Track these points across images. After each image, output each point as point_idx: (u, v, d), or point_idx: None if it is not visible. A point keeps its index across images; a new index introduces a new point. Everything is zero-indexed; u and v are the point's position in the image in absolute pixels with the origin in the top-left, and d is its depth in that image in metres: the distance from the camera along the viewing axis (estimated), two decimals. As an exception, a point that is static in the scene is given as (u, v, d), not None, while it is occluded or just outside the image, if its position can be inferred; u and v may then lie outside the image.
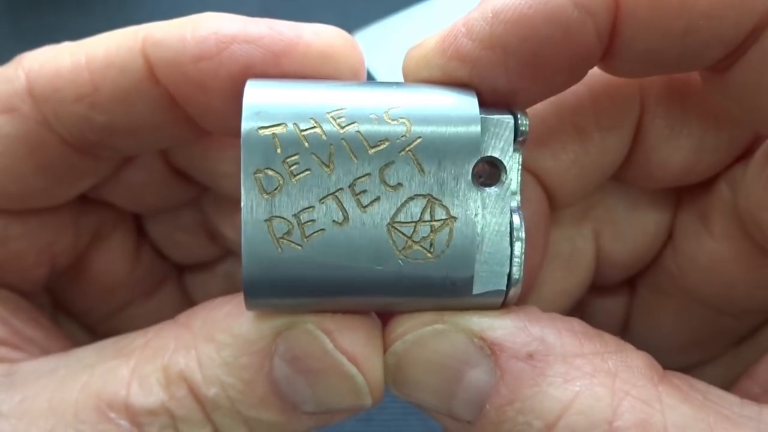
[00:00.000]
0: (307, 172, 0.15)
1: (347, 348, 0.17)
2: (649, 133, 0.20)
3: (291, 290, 0.16)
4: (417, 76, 0.17)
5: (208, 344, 0.17)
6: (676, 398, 0.15)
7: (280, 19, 0.19)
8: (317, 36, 0.18)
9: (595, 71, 0.18)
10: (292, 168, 0.15)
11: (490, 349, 0.16)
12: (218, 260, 0.27)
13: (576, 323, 0.16)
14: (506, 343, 0.16)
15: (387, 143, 0.16)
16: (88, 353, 0.19)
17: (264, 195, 0.15)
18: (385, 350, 0.17)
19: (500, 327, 0.16)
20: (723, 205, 0.20)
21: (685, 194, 0.22)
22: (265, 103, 0.16)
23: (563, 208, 0.22)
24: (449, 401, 0.17)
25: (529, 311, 0.16)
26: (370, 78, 0.44)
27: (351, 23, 0.52)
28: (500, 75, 0.16)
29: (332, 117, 0.16)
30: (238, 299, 0.17)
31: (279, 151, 0.15)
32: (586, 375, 0.15)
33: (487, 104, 0.16)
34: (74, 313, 0.26)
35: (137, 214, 0.26)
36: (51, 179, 0.20)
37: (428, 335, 0.16)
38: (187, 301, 0.27)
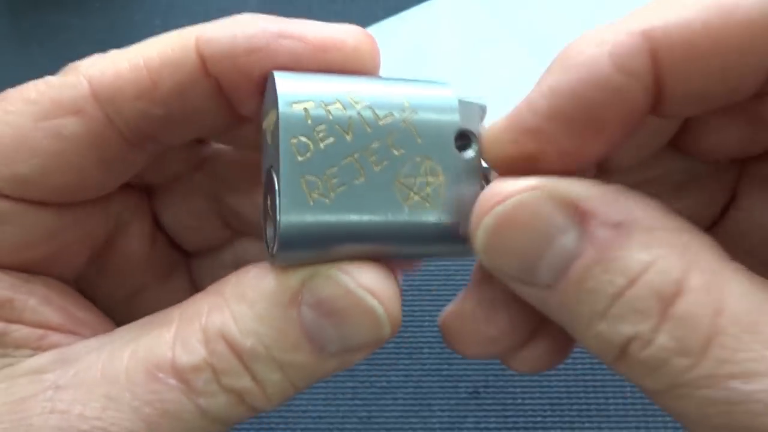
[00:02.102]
0: (331, 139, 0.19)
1: (367, 284, 0.19)
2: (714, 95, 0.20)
3: (319, 239, 0.19)
4: (493, 154, 0.20)
5: (240, 303, 0.20)
6: (739, 273, 0.18)
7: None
8: (349, 34, 0.21)
9: None
10: (320, 136, 0.19)
11: (582, 217, 0.18)
12: (225, 245, 0.28)
13: (658, 203, 0.18)
14: (597, 211, 0.18)
15: (392, 117, 0.20)
16: (129, 329, 0.21)
17: (298, 158, 0.19)
18: (483, 214, 0.19)
19: (594, 197, 0.18)
20: None
21: (749, 162, 0.23)
22: (295, 85, 0.20)
23: (615, 172, 0.22)
24: (535, 264, 0.18)
25: (619, 187, 0.18)
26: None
27: (351, 23, 0.52)
28: (563, 140, 0.19)
29: (350, 96, 0.20)
30: (262, 264, 0.20)
31: (309, 122, 0.19)
32: (664, 245, 0.17)
33: (555, 166, 0.19)
34: (93, 298, 0.26)
35: (151, 201, 0.27)
36: (107, 172, 0.22)
37: (528, 200, 0.18)
38: (196, 290, 0.28)
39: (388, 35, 0.51)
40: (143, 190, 0.27)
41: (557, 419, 0.38)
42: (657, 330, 0.17)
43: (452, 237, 0.20)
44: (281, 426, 0.38)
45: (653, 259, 0.17)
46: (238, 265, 0.27)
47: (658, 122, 0.21)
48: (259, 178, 0.23)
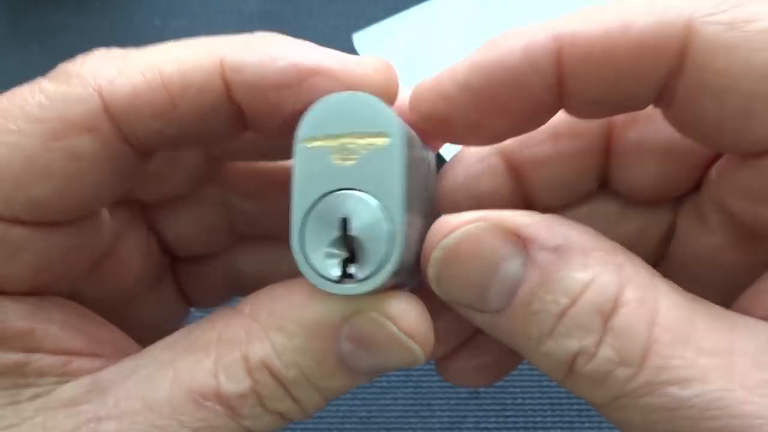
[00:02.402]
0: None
1: (407, 329, 0.20)
2: (619, 145, 0.23)
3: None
4: (417, 108, 0.21)
5: (278, 334, 0.20)
6: (669, 288, 0.19)
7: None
8: (378, 69, 0.21)
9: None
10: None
11: (523, 243, 0.19)
12: (216, 255, 0.28)
13: (590, 228, 0.20)
14: (537, 237, 0.19)
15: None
16: (159, 351, 0.21)
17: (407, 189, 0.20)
18: (432, 247, 0.20)
19: (533, 224, 0.19)
20: (710, 201, 0.23)
21: (683, 197, 0.24)
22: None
23: (545, 210, 0.24)
24: (484, 292, 0.19)
25: (555, 216, 0.20)
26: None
27: (351, 23, 0.52)
28: (470, 112, 0.21)
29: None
30: (298, 288, 0.21)
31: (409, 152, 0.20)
32: (600, 264, 0.19)
33: (462, 136, 0.22)
34: (86, 304, 0.26)
35: (148, 211, 0.27)
36: (117, 186, 0.22)
37: (473, 231, 0.19)
38: (181, 293, 0.28)
39: (388, 35, 0.51)
40: (139, 206, 0.27)
41: (557, 419, 0.38)
42: (599, 343, 0.18)
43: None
44: (281, 426, 0.38)
45: (592, 277, 0.18)
46: (228, 271, 0.27)
47: (576, 157, 0.23)
48: (270, 181, 0.23)
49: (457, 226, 0.20)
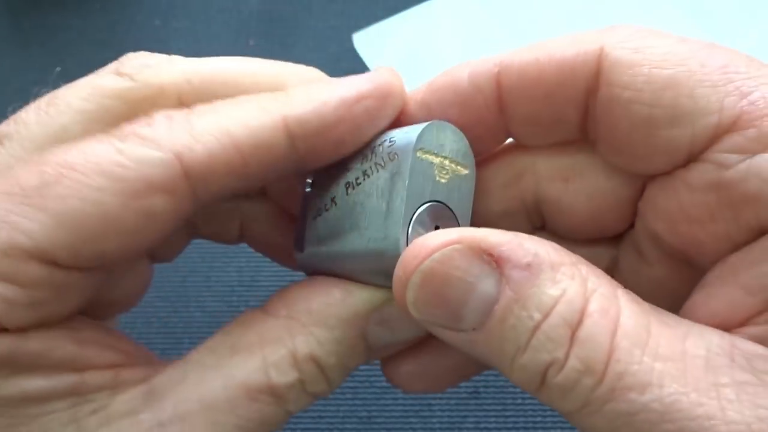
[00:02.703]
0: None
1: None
2: (546, 189, 0.25)
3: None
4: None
5: (320, 328, 0.23)
6: (629, 299, 0.20)
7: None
8: (396, 78, 0.24)
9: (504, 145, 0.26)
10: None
11: (497, 263, 0.20)
12: (182, 248, 0.29)
13: (554, 243, 0.21)
14: (510, 256, 0.20)
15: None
16: (203, 356, 0.23)
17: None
18: (409, 271, 0.21)
19: (504, 242, 0.20)
20: (643, 236, 0.25)
21: (622, 235, 0.26)
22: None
23: None
24: (460, 311, 0.20)
25: (521, 234, 0.21)
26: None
27: (351, 23, 0.52)
28: (434, 114, 0.24)
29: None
30: (332, 287, 0.24)
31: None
32: (567, 278, 0.20)
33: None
34: None
35: None
36: (174, 233, 0.23)
37: (450, 253, 0.20)
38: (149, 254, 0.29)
39: (388, 35, 0.51)
40: None
41: (557, 419, 0.38)
42: (568, 355, 0.19)
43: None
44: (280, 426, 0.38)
45: (561, 292, 0.20)
46: (190, 224, 0.28)
47: (521, 214, 0.26)
48: None
49: (434, 249, 0.20)
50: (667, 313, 0.21)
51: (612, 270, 0.26)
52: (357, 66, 0.50)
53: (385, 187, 0.23)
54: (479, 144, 0.24)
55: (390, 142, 0.23)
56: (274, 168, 0.23)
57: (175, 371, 0.23)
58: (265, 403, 0.22)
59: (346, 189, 0.24)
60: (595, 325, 0.19)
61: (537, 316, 0.19)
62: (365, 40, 0.51)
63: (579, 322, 0.19)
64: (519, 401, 0.39)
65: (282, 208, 0.28)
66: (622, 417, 0.18)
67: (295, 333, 0.23)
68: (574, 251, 0.24)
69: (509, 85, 0.23)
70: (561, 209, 0.25)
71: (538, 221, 0.26)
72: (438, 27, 0.51)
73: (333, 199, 0.24)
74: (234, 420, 0.22)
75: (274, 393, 0.23)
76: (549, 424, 0.38)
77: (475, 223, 0.24)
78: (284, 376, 0.23)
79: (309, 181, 0.26)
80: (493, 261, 0.20)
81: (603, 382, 0.19)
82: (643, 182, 0.24)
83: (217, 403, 0.22)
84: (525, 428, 0.38)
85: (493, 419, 0.39)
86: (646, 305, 0.20)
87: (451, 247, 0.20)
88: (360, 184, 0.23)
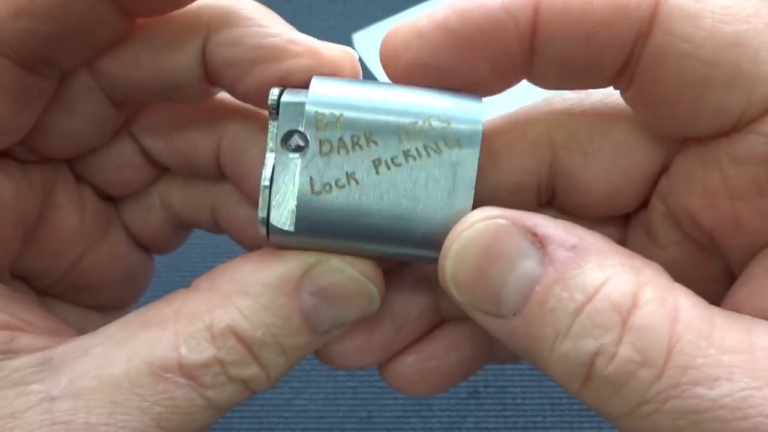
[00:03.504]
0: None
1: (365, 270, 0.22)
2: (563, 162, 0.23)
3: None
4: (386, 47, 0.22)
5: (244, 298, 0.21)
6: (688, 294, 0.19)
7: (281, 19, 0.23)
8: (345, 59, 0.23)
9: (514, 110, 0.23)
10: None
11: (541, 243, 0.19)
12: (151, 186, 0.27)
13: (604, 236, 0.20)
14: (555, 236, 0.19)
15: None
16: (114, 330, 0.21)
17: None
18: (452, 241, 0.20)
19: (550, 224, 0.19)
20: (659, 216, 0.23)
21: (630, 215, 0.24)
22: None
23: None
24: (500, 291, 0.19)
25: (568, 222, 0.20)
26: (370, 77, 0.44)
27: (351, 23, 0.52)
28: (443, 52, 0.21)
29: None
30: (255, 255, 0.22)
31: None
32: (616, 265, 0.18)
33: (432, 79, 0.22)
34: (28, 277, 0.25)
35: (71, 162, 0.25)
36: (10, 105, 0.21)
37: (493, 226, 0.19)
38: (132, 239, 0.27)
39: (388, 35, 0.51)
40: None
41: (557, 419, 0.38)
42: (619, 342, 0.17)
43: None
44: (281, 426, 0.38)
45: (608, 276, 0.18)
46: (165, 206, 0.27)
47: (518, 177, 0.23)
48: (173, 114, 0.24)
49: (477, 220, 0.20)
50: (722, 309, 0.19)
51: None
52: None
53: (440, 176, 0.21)
54: (492, 81, 0.22)
55: (441, 121, 0.21)
56: (75, 6, 0.20)
57: (79, 344, 0.21)
58: (174, 384, 0.20)
59: (375, 167, 0.21)
60: (651, 313, 0.17)
61: (579, 297, 0.18)
62: (365, 40, 0.51)
63: (632, 308, 0.18)
64: (519, 401, 0.39)
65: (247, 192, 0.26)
66: (689, 415, 0.17)
67: (214, 305, 0.21)
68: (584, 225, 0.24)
69: (548, 16, 0.20)
70: (577, 184, 0.23)
71: (545, 197, 0.24)
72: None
73: (351, 176, 0.21)
74: (135, 401, 0.19)
75: (185, 372, 0.20)
76: (549, 424, 0.38)
77: (478, 197, 0.22)
78: (197, 353, 0.20)
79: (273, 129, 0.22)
80: (537, 240, 0.19)
81: (664, 375, 0.17)
82: (666, 156, 0.22)
83: (116, 380, 0.19)
84: (525, 428, 0.38)
85: (492, 419, 0.39)
86: (703, 300, 0.19)
87: (494, 220, 0.19)
88: (399, 165, 0.21)
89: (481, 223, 0.19)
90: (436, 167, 0.21)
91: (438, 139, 0.21)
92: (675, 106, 0.20)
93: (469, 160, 0.21)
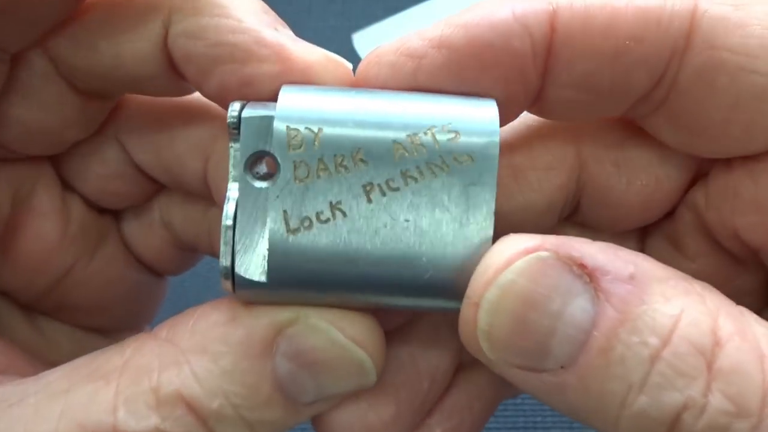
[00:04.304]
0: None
1: (354, 335, 0.17)
2: (593, 174, 0.20)
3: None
4: (367, 73, 0.18)
5: (201, 357, 0.17)
6: (755, 315, 0.16)
7: (265, 11, 0.20)
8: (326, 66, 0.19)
9: (528, 120, 0.20)
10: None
11: (590, 276, 0.16)
12: (151, 202, 0.25)
13: (646, 255, 0.17)
14: (608, 266, 0.16)
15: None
16: (57, 377, 0.18)
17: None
18: (482, 288, 0.16)
19: (597, 252, 0.16)
20: (689, 228, 0.21)
21: (650, 226, 0.22)
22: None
23: None
24: (547, 341, 0.16)
25: (608, 243, 0.17)
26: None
27: (351, 23, 0.52)
28: (443, 74, 0.17)
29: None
30: (223, 304, 0.18)
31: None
32: (681, 294, 0.16)
33: None
34: (8, 292, 0.23)
35: (57, 168, 0.23)
36: None
37: (535, 263, 0.16)
38: (132, 258, 0.25)
39: (388, 35, 0.51)
40: (45, 160, 0.23)
41: (557, 419, 0.38)
42: (708, 391, 0.15)
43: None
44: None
45: (681, 310, 0.15)
46: (166, 224, 0.24)
47: (545, 193, 0.20)
48: (160, 124, 0.21)
49: (515, 257, 0.16)
50: None
51: None
52: (357, 66, 0.50)
53: (450, 201, 0.17)
54: (501, 108, 0.18)
55: (447, 132, 0.17)
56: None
57: (15, 390, 0.18)
58: None
59: (366, 194, 0.17)
60: (737, 351, 0.15)
61: (654, 341, 0.15)
62: (365, 40, 0.51)
63: (716, 347, 0.15)
64: (519, 401, 0.39)
65: None
66: None
67: (167, 361, 0.17)
68: (601, 239, 0.22)
69: (567, 30, 0.17)
70: (608, 197, 0.20)
71: (565, 213, 0.21)
72: (438, 27, 0.51)
73: (336, 206, 0.17)
74: None
75: None
76: (549, 424, 0.38)
77: (499, 223, 0.18)
78: (135, 420, 0.16)
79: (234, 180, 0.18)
80: (586, 274, 0.16)
81: (762, 426, 0.15)
82: (700, 164, 0.20)
83: None
84: (525, 428, 0.38)
85: (492, 419, 0.38)
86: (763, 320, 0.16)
87: (535, 254, 0.16)
88: (397, 189, 0.17)
89: (521, 260, 0.16)
90: (443, 190, 0.17)
91: (445, 155, 0.17)
92: (727, 124, 0.17)
93: (485, 178, 0.17)
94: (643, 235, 0.22)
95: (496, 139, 0.17)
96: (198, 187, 0.22)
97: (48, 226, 0.23)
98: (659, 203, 0.21)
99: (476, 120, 0.17)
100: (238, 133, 0.17)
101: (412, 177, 0.17)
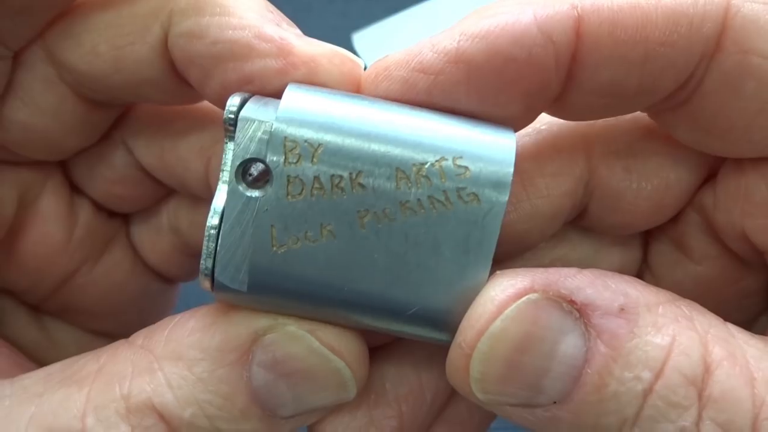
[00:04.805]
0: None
1: (332, 343, 0.17)
2: (604, 179, 0.20)
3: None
4: (376, 88, 0.17)
5: (175, 363, 0.16)
6: (744, 334, 0.16)
7: (269, 10, 0.19)
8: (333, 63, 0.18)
9: (537, 124, 0.19)
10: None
11: (580, 312, 0.15)
12: (160, 206, 0.25)
13: (635, 278, 0.16)
14: (597, 300, 0.15)
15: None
16: (34, 381, 0.17)
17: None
18: (473, 339, 0.16)
19: (585, 285, 0.15)
20: (695, 230, 0.20)
21: (653, 229, 0.22)
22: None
23: (519, 252, 0.21)
24: (540, 381, 0.15)
25: (596, 270, 0.16)
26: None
27: (351, 23, 0.52)
28: (461, 91, 0.17)
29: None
30: (200, 312, 0.17)
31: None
32: (671, 321, 0.15)
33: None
34: (14, 293, 0.24)
35: (66, 171, 0.23)
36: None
37: (525, 308, 0.15)
38: (139, 262, 0.25)
39: (388, 35, 0.51)
40: (53, 164, 0.23)
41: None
42: (699, 420, 0.15)
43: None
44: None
45: (672, 339, 0.15)
46: (173, 229, 0.24)
47: (554, 200, 0.20)
48: (164, 128, 0.21)
49: (503, 304, 0.15)
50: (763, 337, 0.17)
51: (642, 269, 0.22)
52: (357, 66, 0.50)
53: (448, 239, 0.16)
54: (518, 119, 0.18)
55: (457, 165, 0.16)
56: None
57: None
58: None
59: (360, 220, 0.16)
60: (728, 376, 0.15)
61: (647, 375, 0.15)
62: (365, 40, 0.51)
63: (706, 375, 0.15)
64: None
65: None
66: None
67: (140, 368, 0.16)
68: (606, 250, 0.21)
69: (594, 37, 0.16)
70: (619, 201, 0.20)
71: (571, 217, 0.21)
72: (438, 27, 0.51)
73: (326, 228, 0.16)
74: None
75: None
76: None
77: (506, 232, 0.17)
78: (104, 428, 0.16)
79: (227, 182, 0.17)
80: (576, 310, 0.15)
81: None
82: (711, 167, 0.20)
83: None
84: (525, 428, 0.38)
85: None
86: (753, 335, 0.16)
87: (525, 298, 0.15)
88: (393, 219, 0.16)
89: (513, 306, 0.15)
90: (443, 227, 0.16)
91: (450, 191, 0.16)
92: (749, 129, 0.17)
93: (490, 218, 0.16)
94: (647, 238, 0.22)
95: (509, 182, 0.16)
96: (201, 190, 0.22)
97: (53, 229, 0.23)
98: (668, 207, 0.20)
99: (490, 156, 0.16)
100: (235, 130, 0.16)
101: (411, 209, 0.16)
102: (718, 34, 0.16)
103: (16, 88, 0.20)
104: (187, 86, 0.20)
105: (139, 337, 0.18)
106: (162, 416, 0.16)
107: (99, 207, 0.24)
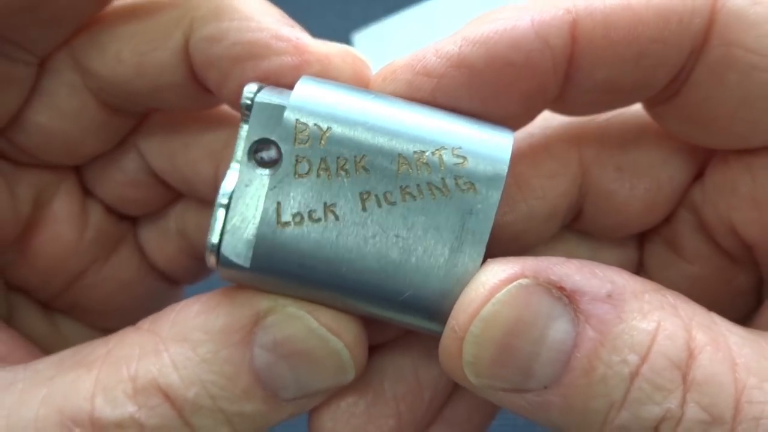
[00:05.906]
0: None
1: (331, 324, 0.17)
2: (596, 179, 0.20)
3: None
4: (383, 89, 0.18)
5: (180, 345, 0.17)
6: (726, 323, 0.17)
7: (280, 14, 0.20)
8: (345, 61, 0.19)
9: (530, 128, 0.20)
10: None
11: (569, 298, 0.16)
12: (168, 209, 0.25)
13: (620, 269, 0.17)
14: (586, 287, 0.16)
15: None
16: (46, 365, 0.18)
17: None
18: (465, 321, 0.16)
19: (574, 272, 0.16)
20: (688, 229, 0.21)
21: (648, 231, 0.22)
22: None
23: (517, 254, 0.21)
24: (531, 366, 0.16)
25: (583, 261, 0.17)
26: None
27: (351, 23, 0.52)
28: (463, 93, 0.17)
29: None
30: (206, 296, 0.18)
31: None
32: (657, 308, 0.16)
33: None
34: (26, 290, 0.24)
35: (79, 174, 0.24)
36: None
37: (518, 294, 0.16)
38: (146, 264, 0.26)
39: (388, 35, 0.51)
40: (68, 167, 0.24)
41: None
42: (683, 402, 0.15)
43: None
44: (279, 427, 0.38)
45: (657, 324, 0.16)
46: (180, 232, 0.25)
47: (549, 200, 0.20)
48: (175, 131, 0.22)
49: (495, 287, 0.16)
50: (757, 330, 0.17)
51: (638, 271, 0.22)
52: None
53: (444, 225, 0.17)
54: (517, 118, 0.19)
55: (455, 156, 0.17)
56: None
57: (6, 375, 0.18)
58: None
59: (362, 202, 0.17)
60: (711, 361, 0.15)
61: (633, 359, 0.15)
62: (365, 40, 0.51)
63: (690, 360, 0.15)
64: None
65: None
66: None
67: (146, 350, 0.17)
68: (602, 252, 0.21)
69: (589, 40, 0.17)
70: (612, 202, 0.21)
71: (566, 220, 0.22)
72: (438, 27, 0.51)
73: (330, 208, 0.17)
74: None
75: (96, 429, 0.17)
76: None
77: (502, 234, 0.19)
78: (111, 408, 0.16)
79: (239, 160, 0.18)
80: (565, 296, 0.16)
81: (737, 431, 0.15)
82: (701, 164, 0.20)
83: (23, 425, 0.17)
84: (525, 428, 0.38)
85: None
86: (738, 325, 0.17)
87: (516, 282, 0.16)
88: (393, 203, 0.17)
89: (504, 291, 0.16)
90: (440, 213, 0.17)
91: (448, 178, 0.17)
92: (732, 119, 0.18)
93: (484, 210, 0.17)
94: (642, 240, 0.22)
95: (504, 173, 0.17)
96: (209, 193, 0.23)
97: (65, 230, 0.23)
98: (661, 206, 0.21)
99: (487, 150, 0.17)
100: (250, 115, 0.18)
101: (410, 194, 0.17)
102: (706, 28, 0.17)
103: (41, 93, 0.21)
104: (205, 91, 0.21)
105: (146, 322, 0.18)
106: (167, 396, 0.17)
107: (109, 209, 0.25)
